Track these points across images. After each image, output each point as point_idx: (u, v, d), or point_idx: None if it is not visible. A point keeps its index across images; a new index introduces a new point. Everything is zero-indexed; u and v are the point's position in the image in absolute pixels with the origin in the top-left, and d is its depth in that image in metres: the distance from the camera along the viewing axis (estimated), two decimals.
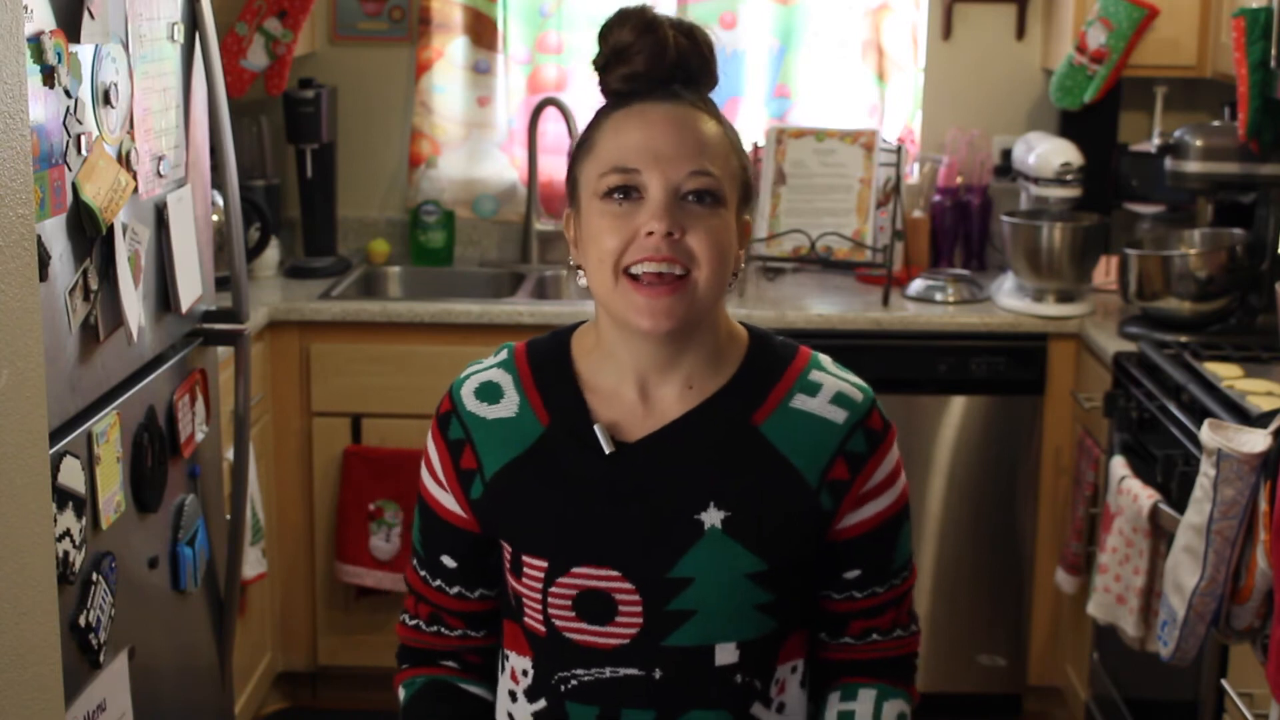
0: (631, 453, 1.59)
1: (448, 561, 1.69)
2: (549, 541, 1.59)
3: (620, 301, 1.54)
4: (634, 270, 1.53)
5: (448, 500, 1.66)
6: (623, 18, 1.57)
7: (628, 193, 1.53)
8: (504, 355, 1.67)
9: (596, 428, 1.59)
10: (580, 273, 1.60)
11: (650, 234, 1.51)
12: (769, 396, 1.61)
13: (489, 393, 1.64)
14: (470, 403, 1.64)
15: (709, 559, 1.56)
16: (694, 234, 1.52)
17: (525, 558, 1.60)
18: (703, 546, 1.56)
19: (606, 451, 1.58)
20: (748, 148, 1.75)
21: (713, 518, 1.57)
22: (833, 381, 1.63)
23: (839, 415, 1.60)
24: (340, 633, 3.74)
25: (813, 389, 1.62)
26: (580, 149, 1.60)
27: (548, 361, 1.64)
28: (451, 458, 1.64)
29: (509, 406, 1.62)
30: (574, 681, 1.61)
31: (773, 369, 1.63)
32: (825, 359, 1.67)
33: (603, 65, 1.58)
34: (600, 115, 1.59)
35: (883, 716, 1.66)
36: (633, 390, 1.60)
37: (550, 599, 1.60)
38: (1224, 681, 2.47)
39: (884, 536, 1.65)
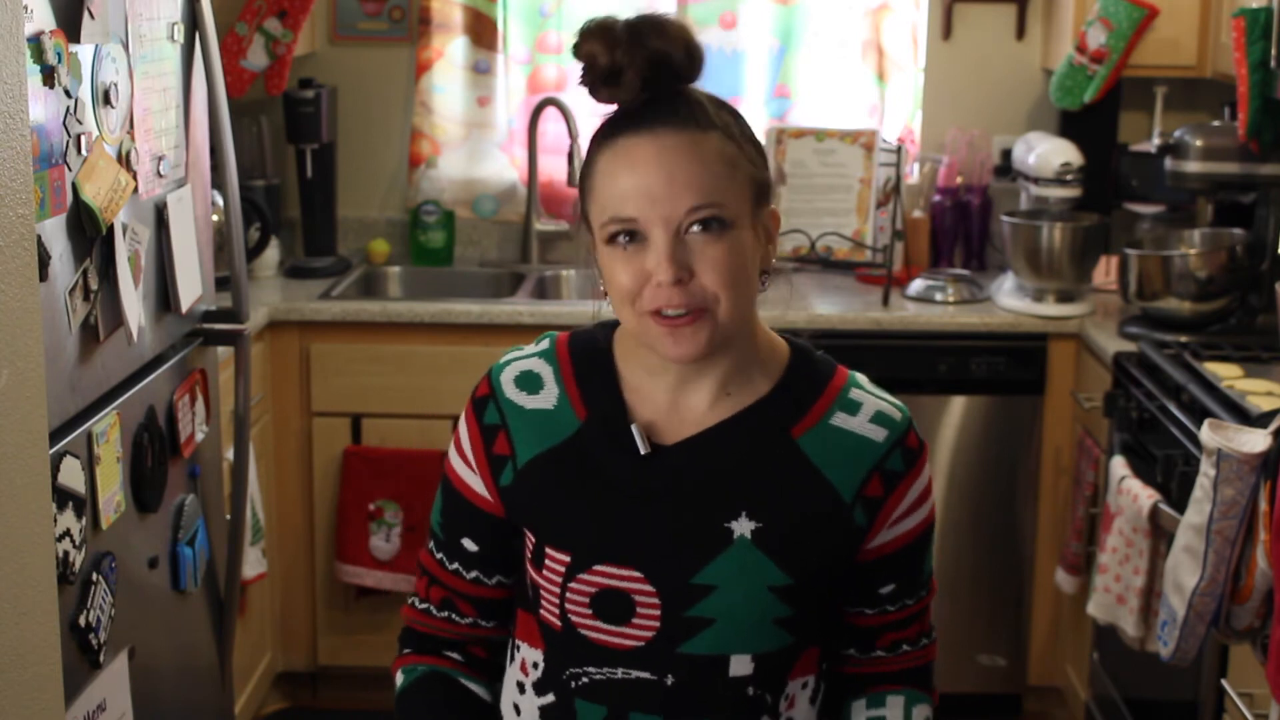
0: (667, 455, 1.58)
1: (469, 545, 1.68)
2: (574, 536, 1.59)
3: (646, 335, 1.54)
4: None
5: (475, 483, 1.65)
6: (588, 33, 1.51)
7: (632, 236, 1.51)
8: (545, 345, 1.66)
9: (633, 427, 1.58)
10: (608, 299, 1.58)
11: (660, 284, 1.49)
12: (809, 412, 1.60)
13: (529, 382, 1.63)
14: (509, 390, 1.63)
15: (734, 569, 1.56)
16: (702, 269, 1.50)
17: (548, 550, 1.60)
18: (729, 555, 1.56)
19: (642, 452, 1.57)
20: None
21: (743, 527, 1.56)
22: (872, 401, 1.62)
23: (879, 434, 1.60)
24: (340, 633, 3.74)
25: (853, 408, 1.61)
26: (583, 182, 1.57)
27: (589, 356, 1.64)
28: (484, 442, 1.63)
29: (548, 398, 1.62)
30: (585, 679, 1.61)
31: (813, 385, 1.62)
32: (862, 378, 1.66)
33: (586, 83, 1.55)
34: (594, 145, 1.55)
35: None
36: (671, 393, 1.59)
37: (569, 594, 1.59)
38: (1224, 681, 2.47)
39: (917, 550, 1.65)
